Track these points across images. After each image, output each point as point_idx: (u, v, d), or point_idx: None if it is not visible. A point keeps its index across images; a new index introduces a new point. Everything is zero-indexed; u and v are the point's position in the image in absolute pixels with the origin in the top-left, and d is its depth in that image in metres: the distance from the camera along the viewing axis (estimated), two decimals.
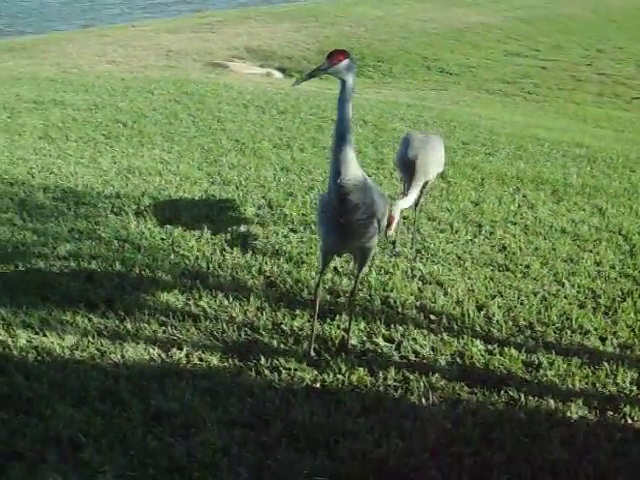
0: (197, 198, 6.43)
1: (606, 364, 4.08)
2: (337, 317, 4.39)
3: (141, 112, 9.92)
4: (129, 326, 4.22)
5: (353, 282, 4.16)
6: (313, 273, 4.93)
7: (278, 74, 18.40)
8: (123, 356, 3.95)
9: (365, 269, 4.17)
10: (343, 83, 3.51)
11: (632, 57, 24.71)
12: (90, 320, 4.28)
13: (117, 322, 4.27)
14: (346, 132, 3.57)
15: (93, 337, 4.11)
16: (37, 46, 18.94)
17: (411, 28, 26.13)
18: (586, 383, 3.94)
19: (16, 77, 13.17)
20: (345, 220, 3.58)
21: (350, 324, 4.14)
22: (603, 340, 4.40)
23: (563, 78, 20.86)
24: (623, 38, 28.83)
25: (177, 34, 21.87)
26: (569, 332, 4.45)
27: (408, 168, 5.11)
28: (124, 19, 31.08)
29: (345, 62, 3.45)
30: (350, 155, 3.52)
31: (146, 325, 4.25)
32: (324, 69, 3.47)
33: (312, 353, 4.01)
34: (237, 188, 6.69)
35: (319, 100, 11.75)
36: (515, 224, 6.22)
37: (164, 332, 4.19)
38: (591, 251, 5.77)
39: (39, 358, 3.92)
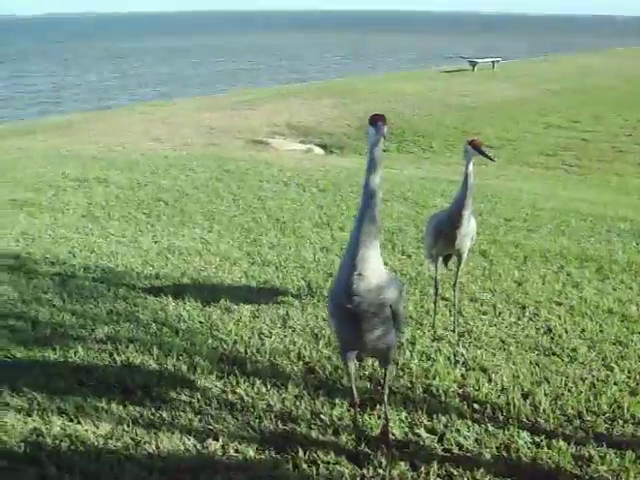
0: (237, 279, 6.40)
1: None
2: (377, 406, 4.26)
3: (183, 190, 10.03)
4: (165, 414, 4.14)
5: (382, 384, 3.93)
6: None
7: (319, 150, 18.60)
8: (158, 446, 3.85)
9: (391, 367, 4.00)
10: (374, 153, 3.38)
11: None
12: (125, 407, 4.21)
13: (153, 410, 4.19)
14: (373, 215, 3.39)
15: (128, 425, 4.03)
16: (81, 124, 19.44)
17: (449, 102, 26.36)
18: None
19: (61, 155, 13.48)
20: (354, 309, 3.39)
21: (387, 419, 3.97)
22: None
23: (604, 150, 20.75)
24: None
25: (217, 111, 22.34)
26: (621, 422, 4.24)
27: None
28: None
29: (385, 127, 3.37)
30: (373, 249, 3.33)
31: (182, 414, 4.16)
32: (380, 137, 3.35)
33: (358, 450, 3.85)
34: (277, 269, 6.66)
35: (359, 177, 11.72)
36: (560, 304, 6.05)
37: (200, 421, 4.10)
38: None
39: (72, 447, 3.85)
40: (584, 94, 31.64)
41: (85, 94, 37.22)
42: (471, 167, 5.03)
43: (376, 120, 3.33)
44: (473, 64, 39.66)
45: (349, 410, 4.20)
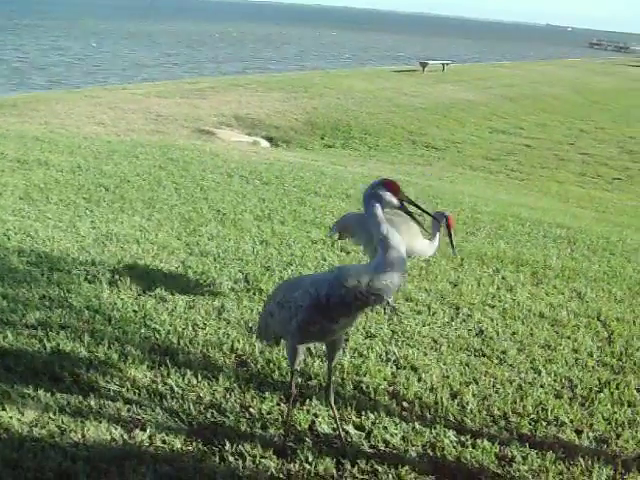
0: (173, 269, 6.34)
1: (581, 460, 3.96)
2: (307, 401, 4.27)
3: (124, 177, 9.89)
4: (93, 403, 4.09)
5: (327, 375, 3.93)
6: (284, 352, 4.82)
7: (265, 143, 18.57)
8: (84, 435, 3.80)
9: (337, 359, 4.04)
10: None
11: (614, 138, 25.27)
12: (53, 395, 4.14)
13: (81, 398, 4.13)
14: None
15: (54, 413, 3.96)
16: (27, 104, 19.02)
17: (398, 102, 26.57)
18: (561, 479, 3.83)
19: (3, 135, 13.17)
20: (344, 318, 3.42)
21: (336, 418, 3.95)
22: (579, 433, 4.30)
23: (547, 157, 21.20)
24: (605, 119, 29.54)
25: (167, 99, 22.10)
26: (544, 424, 4.34)
27: None
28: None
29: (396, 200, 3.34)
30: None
31: (110, 402, 4.11)
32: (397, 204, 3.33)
33: (286, 444, 3.85)
34: (215, 260, 6.62)
35: (303, 172, 11.79)
36: (493, 307, 6.16)
37: (128, 410, 4.06)
38: (569, 337, 5.69)
39: None
40: (531, 101, 32.27)
41: (42, 73, 36.38)
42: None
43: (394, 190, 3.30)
44: (423, 65, 39.99)
45: (278, 404, 4.21)
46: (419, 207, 3.30)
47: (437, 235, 5.78)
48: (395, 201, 3.28)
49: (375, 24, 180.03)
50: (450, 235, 5.87)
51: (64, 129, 14.90)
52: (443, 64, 42.08)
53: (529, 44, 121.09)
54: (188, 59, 49.43)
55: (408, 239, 5.26)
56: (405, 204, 3.31)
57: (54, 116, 17.07)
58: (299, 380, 4.53)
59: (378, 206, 3.28)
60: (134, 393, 4.24)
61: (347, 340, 5.08)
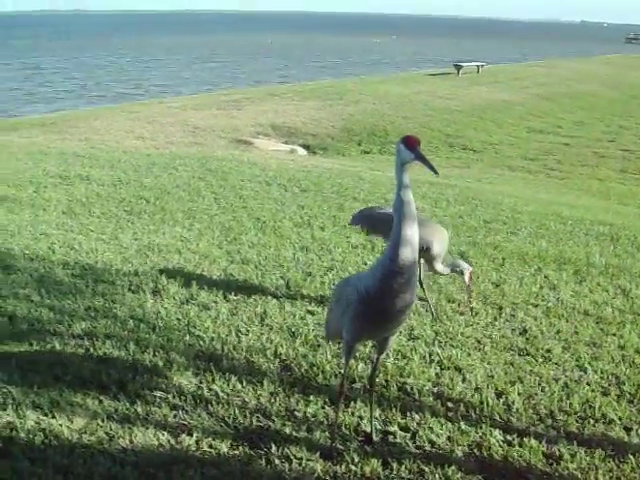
0: (215, 277, 6.40)
1: (631, 457, 3.91)
2: (352, 404, 4.28)
3: (164, 188, 10.02)
4: (139, 410, 4.14)
5: (371, 369, 4.03)
6: (329, 356, 4.84)
7: (302, 151, 18.65)
8: (132, 441, 3.86)
9: (385, 355, 4.09)
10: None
11: None
12: (101, 402, 4.21)
13: (128, 405, 4.19)
14: (411, 204, 3.40)
15: (102, 420, 4.03)
16: (67, 122, 19.35)
17: (434, 106, 26.48)
18: (610, 477, 3.78)
19: (44, 152, 13.42)
20: (388, 311, 3.45)
21: (372, 414, 4.03)
22: (628, 430, 4.24)
23: (586, 155, 20.93)
24: None
25: (203, 111, 22.31)
26: (592, 421, 4.29)
27: None
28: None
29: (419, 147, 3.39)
30: (415, 228, 3.39)
31: (157, 409, 4.17)
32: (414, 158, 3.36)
33: (336, 445, 3.89)
34: (256, 267, 6.67)
35: (341, 178, 11.81)
36: (537, 306, 6.11)
37: (175, 417, 4.11)
38: (615, 334, 5.62)
39: (46, 441, 3.84)
40: (568, 99, 31.91)
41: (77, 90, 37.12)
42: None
43: (410, 144, 3.35)
44: (458, 68, 39.80)
45: (323, 407, 4.23)
46: (428, 162, 3.34)
47: (451, 269, 5.75)
48: (409, 153, 3.34)
49: (405, 29, 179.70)
50: (468, 287, 5.86)
51: (104, 144, 15.12)
52: (478, 66, 41.82)
53: (564, 42, 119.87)
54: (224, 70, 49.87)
55: (439, 247, 5.51)
56: (420, 154, 3.33)
57: (93, 132, 17.35)
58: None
59: (399, 164, 3.39)
60: (180, 399, 4.28)
61: None
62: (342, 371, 3.91)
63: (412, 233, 3.35)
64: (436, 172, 3.31)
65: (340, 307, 3.72)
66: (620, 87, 39.10)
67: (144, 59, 58.78)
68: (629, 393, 4.67)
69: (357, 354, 4.90)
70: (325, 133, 20.64)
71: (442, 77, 38.00)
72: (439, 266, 5.63)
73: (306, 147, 19.26)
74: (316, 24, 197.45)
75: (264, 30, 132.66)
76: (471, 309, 5.91)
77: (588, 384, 4.75)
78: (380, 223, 5.67)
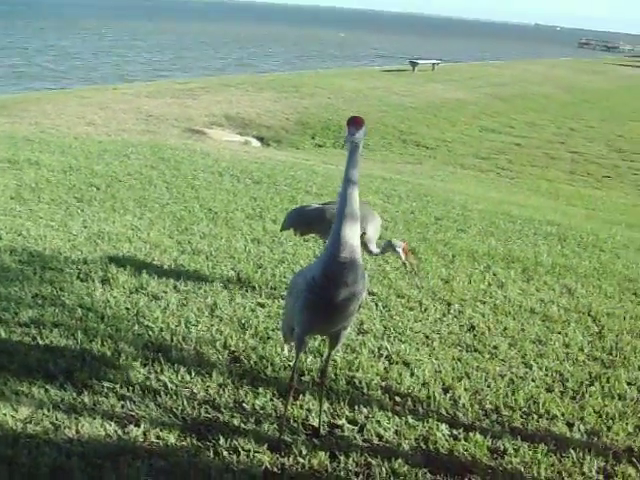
0: (166, 267, 6.35)
1: (573, 452, 4.01)
2: (300, 397, 4.30)
3: (116, 176, 9.89)
4: (86, 400, 4.10)
5: (323, 363, 4.04)
6: (279, 349, 4.84)
7: (256, 142, 18.59)
8: (78, 431, 3.81)
9: (335, 351, 4.12)
10: (354, 150, 3.47)
11: (603, 137, 25.36)
12: (47, 392, 4.15)
13: (74, 395, 4.14)
14: (354, 203, 3.39)
15: (48, 410, 3.97)
16: (17, 105, 18.97)
17: (388, 102, 26.61)
18: (552, 472, 3.87)
19: None
20: (334, 300, 3.45)
21: (321, 408, 4.04)
22: (570, 426, 4.33)
23: (537, 155, 21.28)
24: (595, 118, 29.64)
25: (157, 99, 22.07)
26: (536, 417, 4.38)
27: None
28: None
29: (364, 129, 3.45)
30: (356, 228, 3.39)
31: (104, 399, 4.13)
32: (351, 138, 3.42)
33: (284, 437, 3.89)
34: (207, 258, 6.63)
35: (294, 171, 11.81)
36: (484, 303, 6.20)
37: (122, 407, 4.07)
38: (560, 332, 5.74)
39: None
40: (521, 100, 32.35)
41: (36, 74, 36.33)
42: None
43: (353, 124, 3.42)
44: (414, 65, 40.06)
45: (272, 400, 4.23)
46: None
47: (383, 250, 5.81)
48: (347, 135, 3.44)
49: (363, 24, 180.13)
50: (404, 264, 5.98)
51: (55, 129, 14.87)
52: (433, 63, 42.16)
53: (518, 43, 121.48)
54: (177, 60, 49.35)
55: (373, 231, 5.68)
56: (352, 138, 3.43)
57: (44, 116, 17.03)
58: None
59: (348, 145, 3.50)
60: (128, 390, 4.24)
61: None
62: (291, 364, 3.91)
63: (352, 234, 3.36)
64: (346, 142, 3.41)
65: (292, 299, 3.74)
66: (572, 90, 39.79)
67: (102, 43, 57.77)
68: (572, 390, 4.77)
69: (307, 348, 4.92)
70: (279, 125, 20.60)
71: (397, 74, 38.20)
72: (373, 248, 5.73)
73: (260, 139, 19.21)
74: (278, 16, 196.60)
75: (237, 20, 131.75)
76: (420, 304, 5.97)
77: (533, 380, 4.84)
78: (316, 221, 5.68)
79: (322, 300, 3.47)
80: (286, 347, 4.47)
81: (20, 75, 34.01)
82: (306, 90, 26.75)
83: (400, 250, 5.71)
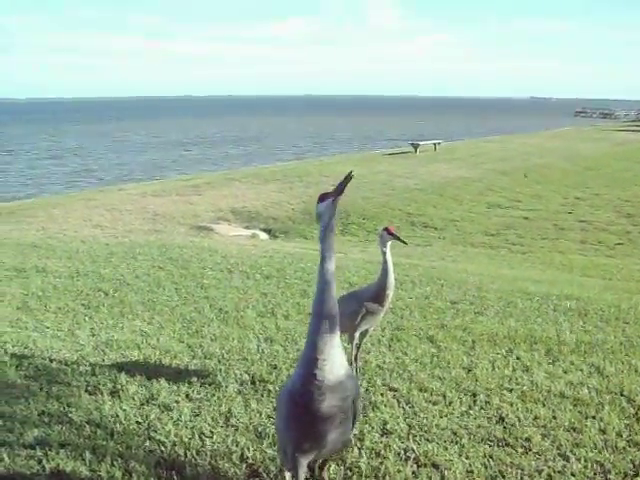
0: (177, 374, 6.11)
1: None
2: None
3: (123, 279, 9.78)
4: None
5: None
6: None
7: (263, 235, 18.58)
8: None
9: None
10: (322, 226, 3.37)
11: (609, 203, 25.33)
12: None
13: None
14: (330, 306, 3.26)
15: None
16: (24, 211, 19.11)
17: (393, 185, 26.74)
18: None
19: (0, 243, 13.13)
20: (318, 410, 3.23)
21: None
22: None
23: (546, 227, 21.18)
24: (599, 185, 29.69)
25: (163, 197, 22.24)
26: None
27: None
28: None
29: (327, 201, 3.33)
30: (336, 340, 3.16)
31: None
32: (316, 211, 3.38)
33: None
34: (219, 362, 6.40)
35: (304, 262, 11.67)
36: (511, 390, 5.90)
37: None
38: (594, 417, 5.42)
39: None
40: (524, 173, 32.43)
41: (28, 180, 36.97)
42: (388, 251, 5.61)
43: (322, 198, 3.21)
44: (415, 146, 40.49)
45: None
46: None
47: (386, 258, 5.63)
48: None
49: (363, 109, 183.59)
50: (397, 238, 5.73)
51: (62, 234, 14.90)
52: (434, 144, 42.64)
53: (516, 117, 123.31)
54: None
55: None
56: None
57: (52, 221, 17.13)
58: None
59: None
60: None
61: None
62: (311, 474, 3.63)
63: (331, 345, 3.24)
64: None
65: (279, 414, 3.52)
66: (573, 159, 40.00)
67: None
68: None
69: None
70: (286, 216, 20.62)
71: (400, 156, 38.57)
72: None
73: (267, 231, 19.21)
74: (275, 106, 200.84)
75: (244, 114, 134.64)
76: (444, 397, 5.69)
77: (572, 474, 4.52)
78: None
79: (305, 410, 3.24)
80: (287, 475, 4.00)
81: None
82: (311, 179, 26.94)
83: (387, 235, 5.62)
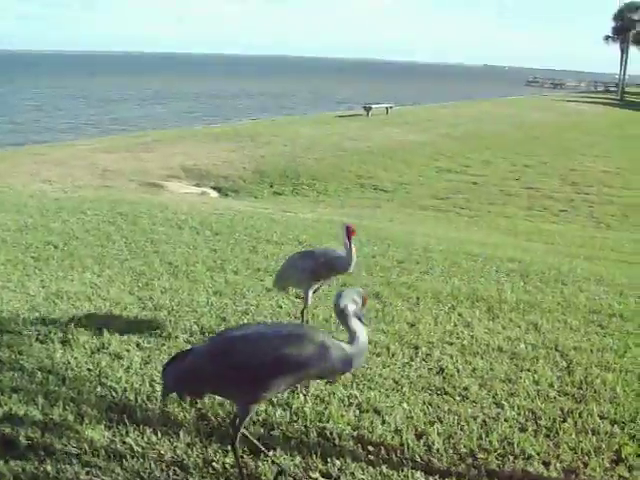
0: (127, 324, 6.21)
1: None
2: (271, 452, 4.18)
3: (73, 233, 9.75)
4: (49, 468, 3.94)
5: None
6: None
7: (214, 193, 18.57)
8: None
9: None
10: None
11: (556, 171, 25.79)
12: (7, 462, 3.99)
13: (37, 464, 3.99)
14: None
15: None
16: None
17: (344, 147, 26.82)
18: None
19: None
20: None
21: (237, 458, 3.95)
22: (547, 465, 4.27)
23: (493, 193, 21.53)
24: (547, 153, 30.15)
25: (113, 153, 22.00)
26: (511, 458, 4.31)
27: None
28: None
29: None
30: None
31: (68, 467, 3.97)
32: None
33: None
34: (169, 313, 6.51)
35: (254, 220, 11.76)
36: (452, 344, 6.15)
37: (87, 474, 3.92)
38: (529, 370, 5.69)
39: None
40: (475, 139, 32.82)
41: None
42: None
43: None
44: (368, 109, 40.55)
45: (242, 457, 4.11)
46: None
47: (350, 247, 5.68)
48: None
49: (317, 71, 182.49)
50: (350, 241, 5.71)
51: (9, 188, 14.67)
52: (387, 107, 42.72)
53: (469, 84, 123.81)
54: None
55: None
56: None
57: None
58: (261, 430, 4.45)
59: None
60: (93, 455, 4.10)
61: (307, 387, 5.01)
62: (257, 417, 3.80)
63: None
64: None
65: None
66: (523, 127, 40.54)
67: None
68: (545, 427, 4.72)
69: (275, 400, 4.82)
70: (237, 175, 20.62)
71: (352, 118, 38.63)
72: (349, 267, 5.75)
73: (218, 189, 19.20)
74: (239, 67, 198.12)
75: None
76: (387, 349, 5.90)
77: (506, 420, 4.78)
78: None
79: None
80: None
81: None
82: (262, 139, 26.90)
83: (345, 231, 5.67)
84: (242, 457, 4.11)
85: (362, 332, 3.81)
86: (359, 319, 3.86)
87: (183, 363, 3.72)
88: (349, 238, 5.64)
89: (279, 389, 3.69)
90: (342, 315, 3.83)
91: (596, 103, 68.22)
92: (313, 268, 5.75)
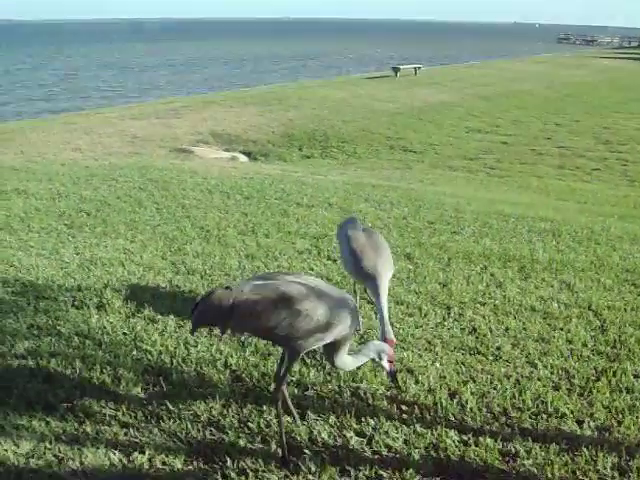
0: (161, 289, 6.28)
1: (585, 450, 3.94)
2: (306, 413, 4.23)
3: (105, 200, 9.83)
4: (89, 429, 4.03)
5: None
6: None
7: (243, 158, 18.55)
8: (82, 462, 3.75)
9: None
10: None
11: (589, 130, 25.37)
12: (48, 424, 4.09)
13: (76, 425, 4.08)
14: None
15: (50, 442, 3.91)
16: (1, 135, 18.89)
17: (373, 108, 26.63)
18: (566, 471, 3.80)
19: None
20: None
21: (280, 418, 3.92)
22: (580, 423, 4.27)
23: (524, 152, 21.27)
24: (579, 112, 29.67)
25: (142, 120, 22.05)
26: (545, 417, 4.32)
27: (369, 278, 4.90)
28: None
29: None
30: None
31: (107, 427, 4.06)
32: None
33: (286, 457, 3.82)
34: (202, 277, 6.57)
35: (284, 183, 11.77)
36: (484, 304, 6.14)
37: (125, 434, 4.00)
38: (562, 329, 5.68)
39: None
40: (505, 99, 32.39)
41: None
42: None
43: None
44: (396, 70, 40.17)
45: (277, 418, 4.16)
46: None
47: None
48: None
49: (341, 33, 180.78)
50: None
51: (41, 157, 14.80)
52: (415, 68, 42.29)
53: (499, 43, 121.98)
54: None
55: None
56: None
57: (29, 145, 16.96)
58: (295, 391, 4.50)
59: None
60: (130, 416, 4.18)
61: None
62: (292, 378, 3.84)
63: None
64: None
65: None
66: (553, 85, 39.91)
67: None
68: (579, 386, 4.72)
69: (308, 360, 4.86)
70: (266, 139, 20.58)
71: (380, 80, 38.28)
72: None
73: (247, 154, 19.17)
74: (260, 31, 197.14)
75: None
76: (420, 310, 5.91)
77: (539, 380, 4.78)
78: None
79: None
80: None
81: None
82: (290, 102, 26.78)
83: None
84: (277, 417, 4.17)
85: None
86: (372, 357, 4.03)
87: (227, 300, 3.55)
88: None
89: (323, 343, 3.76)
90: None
91: (629, 59, 66.87)
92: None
